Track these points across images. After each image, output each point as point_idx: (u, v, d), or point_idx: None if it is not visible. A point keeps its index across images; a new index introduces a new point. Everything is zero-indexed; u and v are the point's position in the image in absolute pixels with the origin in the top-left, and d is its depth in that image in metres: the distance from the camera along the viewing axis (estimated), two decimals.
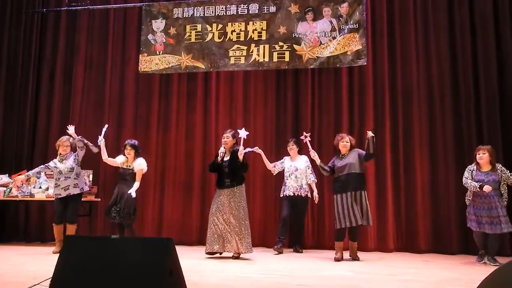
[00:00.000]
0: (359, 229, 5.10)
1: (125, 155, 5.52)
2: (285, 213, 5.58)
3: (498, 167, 4.95)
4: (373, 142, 4.94)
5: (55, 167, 5.47)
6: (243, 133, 5.00)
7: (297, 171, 5.61)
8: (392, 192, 6.01)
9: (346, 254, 5.12)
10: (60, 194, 5.39)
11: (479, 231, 4.90)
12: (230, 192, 5.01)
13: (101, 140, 5.45)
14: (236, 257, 4.95)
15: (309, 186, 5.67)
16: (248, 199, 6.29)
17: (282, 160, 5.78)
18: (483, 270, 4.28)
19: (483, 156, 4.94)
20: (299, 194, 5.58)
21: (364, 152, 5.01)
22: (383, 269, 4.46)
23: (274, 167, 5.73)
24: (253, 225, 6.25)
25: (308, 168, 5.66)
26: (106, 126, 5.61)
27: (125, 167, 5.48)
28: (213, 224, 5.00)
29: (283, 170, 5.73)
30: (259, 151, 5.46)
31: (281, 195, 5.71)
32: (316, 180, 5.72)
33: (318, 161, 5.17)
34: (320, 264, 4.77)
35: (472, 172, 5.01)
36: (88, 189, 5.79)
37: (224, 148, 5.13)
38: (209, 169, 5.37)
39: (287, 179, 5.65)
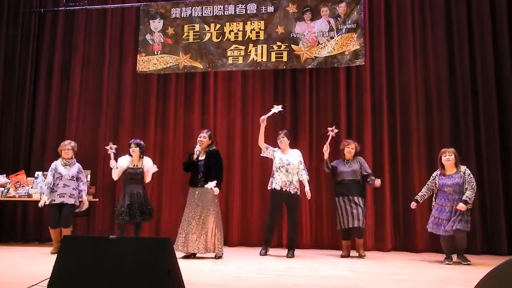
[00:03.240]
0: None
1: (129, 154, 5.46)
2: (272, 221, 5.35)
3: (463, 169, 4.91)
4: (372, 184, 5.31)
5: (57, 171, 5.36)
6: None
7: (288, 165, 5.23)
8: (390, 192, 6.02)
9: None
10: (54, 200, 5.32)
11: (446, 236, 4.81)
12: (203, 191, 4.96)
13: (114, 165, 5.38)
14: (219, 256, 4.94)
15: (301, 182, 5.31)
16: (246, 198, 6.36)
17: (274, 149, 5.40)
18: (481, 270, 4.29)
19: (450, 158, 4.91)
20: (288, 190, 5.18)
21: (365, 169, 5.34)
22: (381, 269, 4.47)
23: (266, 148, 5.39)
24: (252, 224, 6.29)
25: (301, 164, 5.31)
26: (114, 146, 5.47)
27: (134, 166, 5.43)
28: (186, 226, 4.92)
29: (272, 161, 5.40)
30: (274, 111, 5.36)
31: (269, 188, 5.34)
32: (309, 177, 5.37)
33: (326, 156, 5.35)
34: (318, 263, 4.78)
35: (435, 178, 5.01)
36: (78, 204, 5.47)
37: (200, 146, 5.07)
38: (183, 168, 5.23)
39: (277, 172, 5.26)
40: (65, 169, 5.38)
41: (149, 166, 5.50)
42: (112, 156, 5.43)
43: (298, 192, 5.27)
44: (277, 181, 5.25)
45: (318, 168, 6.25)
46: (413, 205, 5.13)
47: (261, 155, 5.52)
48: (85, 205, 5.54)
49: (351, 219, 5.14)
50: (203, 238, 4.86)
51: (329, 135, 5.40)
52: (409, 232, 5.96)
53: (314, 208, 6.20)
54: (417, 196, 5.15)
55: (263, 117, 5.31)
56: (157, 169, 5.60)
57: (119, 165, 5.41)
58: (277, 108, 5.32)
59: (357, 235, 5.30)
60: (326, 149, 5.34)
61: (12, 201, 6.09)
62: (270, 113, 5.34)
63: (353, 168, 5.29)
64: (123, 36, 7.03)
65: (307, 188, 5.26)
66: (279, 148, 5.42)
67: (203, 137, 5.11)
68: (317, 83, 6.49)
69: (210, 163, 5.01)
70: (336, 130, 5.44)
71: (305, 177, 5.29)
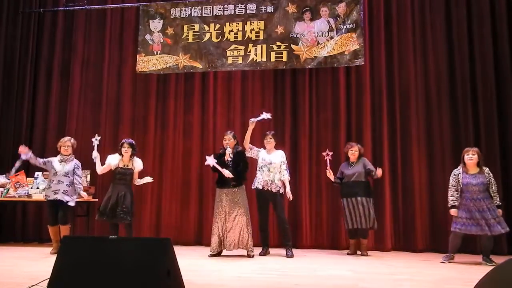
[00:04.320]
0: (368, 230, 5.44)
1: (120, 154, 5.42)
2: (262, 221, 5.38)
3: (486, 170, 4.90)
4: (376, 177, 5.40)
5: (53, 167, 5.38)
6: (211, 161, 5.12)
7: (270, 164, 5.33)
8: (389, 192, 6.02)
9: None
10: (49, 196, 5.31)
11: (460, 234, 4.84)
12: (231, 192, 5.09)
13: (96, 156, 5.36)
14: (251, 255, 5.09)
15: (282, 182, 5.36)
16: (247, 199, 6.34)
17: (258, 149, 5.48)
18: (480, 269, 4.30)
19: (472, 157, 4.88)
20: (269, 189, 5.27)
21: (368, 167, 5.45)
22: (381, 269, 4.47)
23: (250, 149, 5.44)
24: (251, 224, 6.28)
25: (283, 164, 5.38)
26: (98, 138, 5.46)
27: (124, 166, 5.39)
28: (216, 227, 5.09)
29: (257, 160, 5.47)
30: (263, 117, 5.33)
31: (252, 187, 5.43)
32: (290, 178, 5.41)
33: (332, 178, 5.52)
34: (319, 263, 4.77)
35: (458, 176, 4.94)
36: (74, 205, 5.45)
37: (230, 148, 5.19)
38: (213, 170, 5.30)
39: (259, 171, 5.38)
40: (60, 165, 5.38)
41: (139, 168, 5.45)
42: (95, 147, 5.39)
43: (281, 191, 5.33)
44: (259, 180, 5.35)
45: (318, 168, 6.25)
46: (454, 211, 4.88)
47: (247, 155, 5.53)
48: (85, 196, 5.67)
49: (357, 220, 5.26)
50: (236, 237, 5.01)
51: (326, 159, 5.48)
52: (409, 232, 5.96)
53: (314, 208, 6.20)
54: (452, 201, 4.92)
55: (253, 119, 5.33)
56: (152, 180, 5.57)
57: (108, 162, 5.37)
58: (266, 115, 5.33)
59: (362, 235, 5.44)
60: (329, 174, 5.49)
61: (12, 201, 6.08)
62: (259, 118, 5.33)
63: (356, 170, 5.40)
64: (123, 36, 7.03)
65: (288, 189, 5.35)
66: (264, 148, 5.52)
67: (228, 139, 5.24)
68: (317, 83, 6.49)
69: (238, 164, 5.15)
70: (331, 153, 5.51)
71: (286, 177, 5.38)
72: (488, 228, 4.70)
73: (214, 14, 6.61)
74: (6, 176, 5.76)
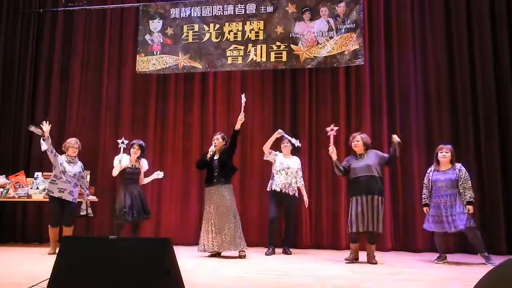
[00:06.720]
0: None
1: (129, 154, 5.50)
2: (273, 215, 5.46)
3: (458, 166, 4.90)
4: (399, 146, 4.78)
5: (61, 163, 5.32)
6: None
7: (288, 169, 5.49)
8: (389, 191, 6.01)
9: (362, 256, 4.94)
10: (52, 192, 5.26)
11: (440, 233, 4.87)
12: (217, 189, 5.10)
13: (120, 160, 5.42)
14: (242, 256, 5.05)
15: (298, 189, 5.55)
16: (245, 197, 6.37)
17: (276, 153, 5.63)
18: (480, 269, 4.29)
19: (446, 155, 4.93)
20: (287, 191, 5.43)
21: (384, 155, 4.86)
22: (381, 268, 4.47)
23: (269, 153, 5.61)
24: (250, 224, 6.28)
25: (299, 170, 5.58)
26: (126, 141, 5.51)
27: (132, 166, 5.48)
28: (206, 226, 5.11)
29: (272, 163, 5.61)
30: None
31: (268, 189, 5.57)
32: (304, 184, 5.63)
33: (334, 157, 4.84)
34: (318, 263, 4.77)
35: (429, 174, 5.02)
36: (76, 203, 5.49)
37: (215, 147, 5.23)
38: (196, 166, 5.46)
39: (277, 174, 5.49)
40: (69, 165, 5.38)
41: (145, 168, 5.62)
42: (121, 150, 5.46)
43: (296, 194, 5.52)
44: (277, 183, 5.47)
45: (317, 168, 6.26)
46: (426, 209, 4.99)
47: (264, 158, 5.72)
48: (93, 198, 5.95)
49: (363, 223, 4.62)
50: (222, 236, 4.98)
51: (329, 135, 4.94)
52: (409, 232, 5.96)
53: (314, 209, 6.20)
54: (423, 200, 5.05)
55: (282, 132, 5.54)
56: (162, 176, 5.73)
57: (123, 164, 5.43)
58: (296, 141, 5.55)
59: (369, 240, 4.75)
60: (332, 151, 4.81)
61: (11, 201, 6.08)
62: (289, 138, 5.55)
63: (367, 162, 4.73)
64: (123, 37, 7.03)
65: (305, 197, 5.56)
66: (280, 152, 5.65)
67: (217, 139, 5.29)
68: (317, 83, 6.49)
69: (224, 160, 5.19)
70: (336, 128, 5.00)
71: (302, 184, 5.57)
72: (448, 225, 4.74)
73: (213, 14, 6.61)
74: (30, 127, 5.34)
